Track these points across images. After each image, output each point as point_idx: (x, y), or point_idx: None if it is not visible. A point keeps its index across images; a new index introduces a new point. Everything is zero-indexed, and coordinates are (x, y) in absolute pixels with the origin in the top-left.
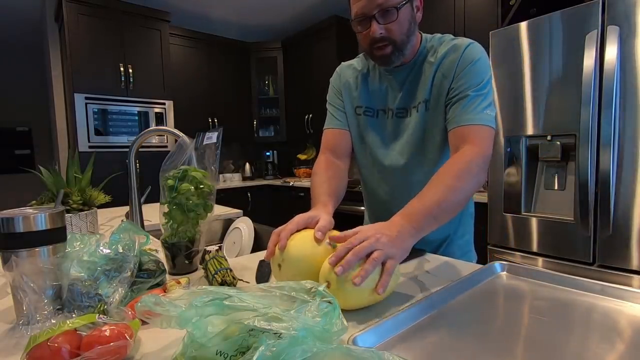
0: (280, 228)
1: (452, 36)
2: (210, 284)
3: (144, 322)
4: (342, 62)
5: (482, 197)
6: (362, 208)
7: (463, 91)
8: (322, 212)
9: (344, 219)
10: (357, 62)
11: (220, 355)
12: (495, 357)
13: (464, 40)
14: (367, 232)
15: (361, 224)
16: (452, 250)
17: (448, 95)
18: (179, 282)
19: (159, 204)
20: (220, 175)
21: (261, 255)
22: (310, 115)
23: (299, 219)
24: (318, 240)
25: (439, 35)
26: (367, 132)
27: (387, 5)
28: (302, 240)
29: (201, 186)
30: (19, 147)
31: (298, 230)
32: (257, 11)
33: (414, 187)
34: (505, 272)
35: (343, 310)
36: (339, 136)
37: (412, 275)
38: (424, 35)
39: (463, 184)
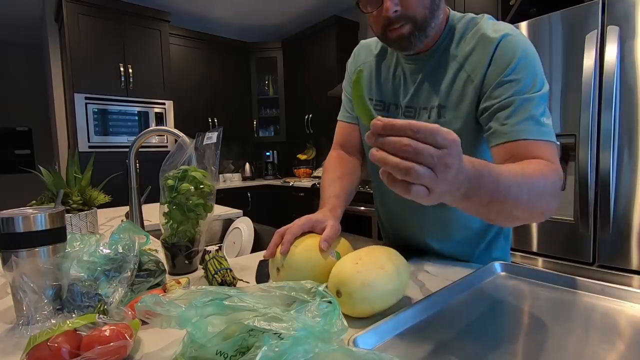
0: (284, 228)
1: (487, 18)
2: (210, 284)
3: (144, 322)
4: (362, 40)
5: None
6: (363, 208)
7: (505, 99)
8: (330, 218)
9: (348, 220)
10: (374, 42)
11: (220, 355)
12: (496, 357)
13: (497, 30)
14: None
15: (368, 224)
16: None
17: (480, 106)
18: (179, 282)
19: (159, 204)
20: (220, 175)
21: (261, 255)
22: (310, 115)
23: (305, 221)
24: (322, 251)
25: (470, 15)
26: None
27: None
28: (305, 249)
29: (201, 186)
30: (19, 147)
31: (303, 233)
32: (257, 11)
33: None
34: (505, 272)
35: (347, 315)
36: (349, 130)
37: (412, 275)
38: (452, 13)
39: (540, 196)
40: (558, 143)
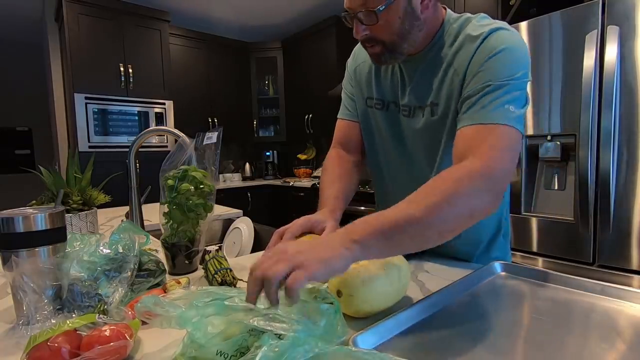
0: (283, 228)
1: (480, 17)
2: (210, 284)
3: (144, 322)
4: None
5: None
6: (363, 208)
7: (478, 86)
8: (330, 219)
9: (349, 220)
10: None
11: (220, 355)
12: (495, 357)
13: (485, 25)
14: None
15: None
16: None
17: (461, 98)
18: (179, 282)
19: (159, 204)
20: (220, 175)
21: (261, 255)
22: (310, 115)
23: (304, 221)
24: None
25: (466, 15)
26: (378, 127)
27: (368, 7)
28: None
29: (201, 186)
30: (19, 147)
31: (302, 233)
32: (257, 11)
33: None
34: (505, 272)
35: (347, 315)
36: (350, 129)
37: (412, 275)
38: (448, 14)
39: (441, 206)
40: (521, 131)
